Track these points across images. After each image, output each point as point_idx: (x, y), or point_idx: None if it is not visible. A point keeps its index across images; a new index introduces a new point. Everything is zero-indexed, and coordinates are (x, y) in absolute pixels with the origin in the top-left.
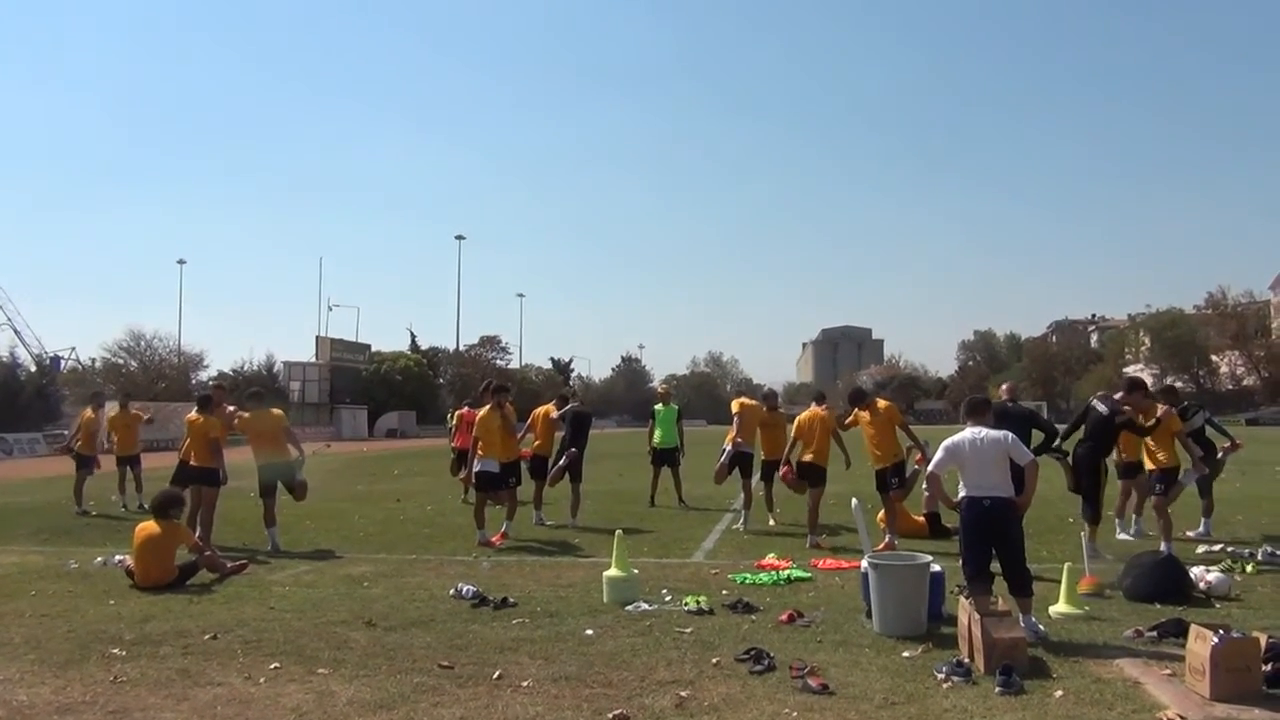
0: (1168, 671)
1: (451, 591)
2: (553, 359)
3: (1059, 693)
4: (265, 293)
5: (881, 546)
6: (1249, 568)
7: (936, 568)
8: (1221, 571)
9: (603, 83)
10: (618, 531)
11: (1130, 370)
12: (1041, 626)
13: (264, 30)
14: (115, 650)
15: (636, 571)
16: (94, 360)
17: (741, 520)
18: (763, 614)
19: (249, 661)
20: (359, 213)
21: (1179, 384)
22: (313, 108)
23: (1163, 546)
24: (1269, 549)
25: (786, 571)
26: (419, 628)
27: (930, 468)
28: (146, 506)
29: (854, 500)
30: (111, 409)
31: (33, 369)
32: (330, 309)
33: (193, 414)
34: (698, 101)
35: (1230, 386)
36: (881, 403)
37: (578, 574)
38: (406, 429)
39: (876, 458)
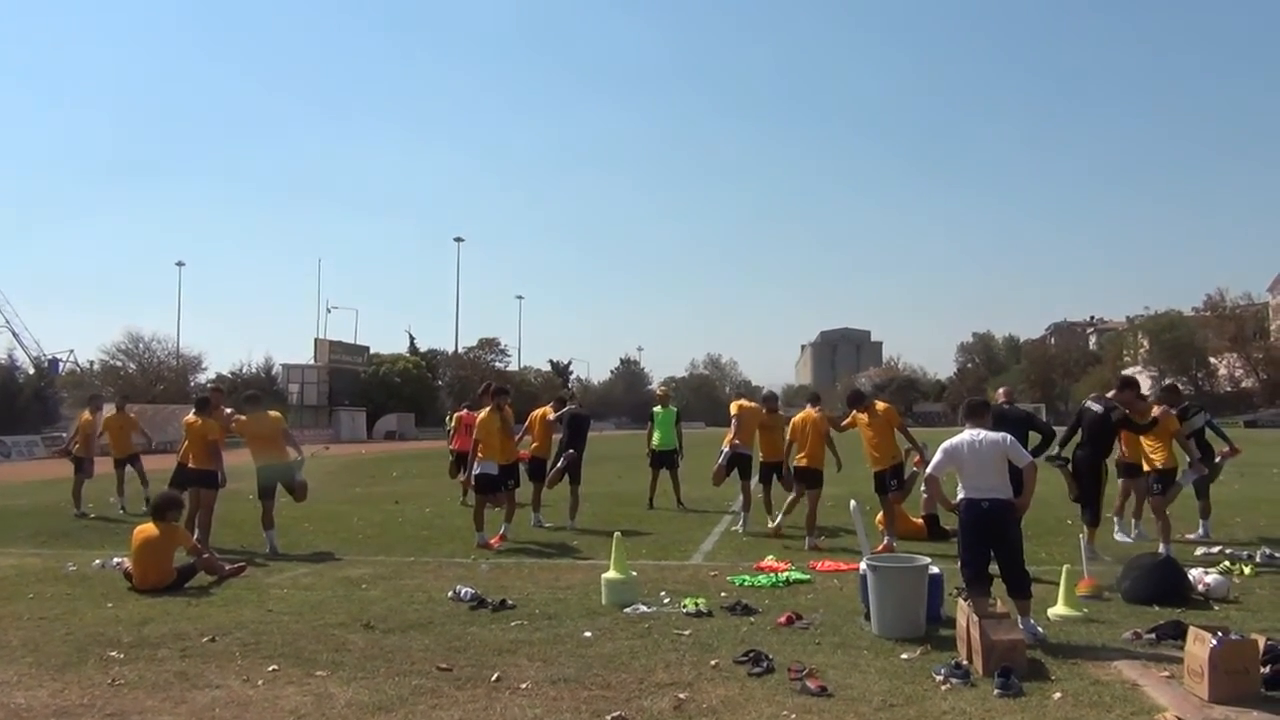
0: (1166, 674)
1: (450, 594)
2: (551, 361)
3: (1057, 695)
4: (264, 295)
5: (880, 548)
6: (1247, 570)
7: (935, 570)
8: (1220, 573)
9: (601, 86)
10: (616, 533)
11: (1128, 373)
12: (1040, 628)
13: (262, 34)
14: (113, 653)
15: (635, 574)
16: (92, 363)
17: (740, 522)
18: (761, 616)
19: (247, 664)
20: (358, 215)
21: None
22: (311, 111)
23: (1161, 548)
24: (1267, 551)
25: (785, 574)
26: (417, 630)
27: (929, 470)
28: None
29: (852, 502)
30: (109, 411)
31: (31, 371)
32: (329, 311)
33: (191, 416)
34: (697, 105)
35: (1229, 389)
36: (880, 405)
37: (576, 576)
38: (405, 431)
39: (875, 460)
